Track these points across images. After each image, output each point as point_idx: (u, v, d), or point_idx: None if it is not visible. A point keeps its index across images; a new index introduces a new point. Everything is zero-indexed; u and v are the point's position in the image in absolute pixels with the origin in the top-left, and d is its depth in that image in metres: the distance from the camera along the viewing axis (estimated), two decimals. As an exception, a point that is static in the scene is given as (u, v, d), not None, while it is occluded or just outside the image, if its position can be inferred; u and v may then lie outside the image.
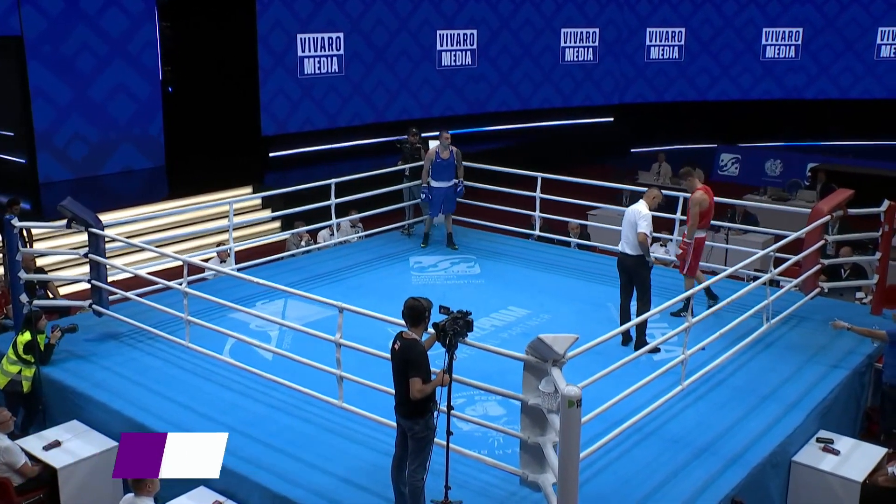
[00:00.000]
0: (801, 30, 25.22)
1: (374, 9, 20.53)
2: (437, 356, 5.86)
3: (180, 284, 8.78)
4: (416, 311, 5.74)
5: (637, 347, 8.22)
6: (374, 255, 12.00)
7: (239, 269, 11.46)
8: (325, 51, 19.96)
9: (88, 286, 9.25)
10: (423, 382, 5.62)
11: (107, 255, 9.24)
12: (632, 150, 23.90)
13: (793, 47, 25.37)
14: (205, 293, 8.81)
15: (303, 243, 12.93)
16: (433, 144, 12.24)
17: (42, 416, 8.30)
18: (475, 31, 22.42)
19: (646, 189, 9.26)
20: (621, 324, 8.53)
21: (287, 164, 19.43)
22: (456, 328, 5.70)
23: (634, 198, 10.23)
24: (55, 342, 8.50)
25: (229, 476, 6.76)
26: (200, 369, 8.39)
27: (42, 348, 8.32)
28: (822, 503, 7.03)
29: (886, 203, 9.45)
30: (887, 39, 25.24)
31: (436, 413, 5.80)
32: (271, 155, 19.45)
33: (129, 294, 9.25)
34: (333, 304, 7.04)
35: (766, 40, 25.25)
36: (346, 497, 6.32)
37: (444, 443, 5.89)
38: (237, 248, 11.35)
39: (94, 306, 9.13)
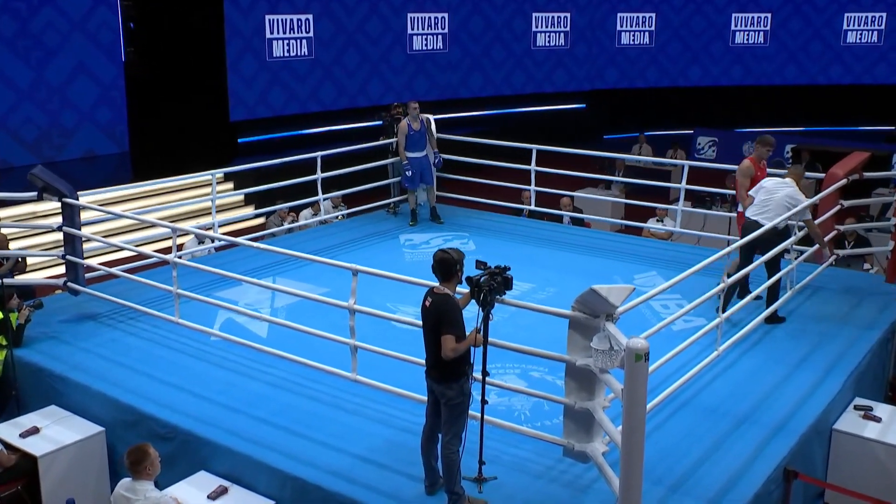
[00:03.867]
0: (769, 15, 25.14)
1: (344, -10, 19.91)
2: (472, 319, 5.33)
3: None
4: (446, 264, 5.20)
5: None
6: (362, 233, 11.41)
7: (218, 250, 10.86)
8: (294, 33, 19.27)
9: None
10: (456, 340, 5.08)
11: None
12: (605, 137, 23.59)
13: (761, 33, 25.28)
14: (189, 271, 8.19)
15: (288, 221, 12.29)
16: (402, 122, 11.67)
17: (15, 402, 7.57)
18: (446, 15, 21.90)
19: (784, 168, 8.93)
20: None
21: (256, 149, 18.67)
22: (493, 284, 5.17)
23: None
24: (24, 322, 7.79)
25: (232, 458, 6.18)
26: (189, 348, 7.75)
27: (14, 328, 7.62)
28: (865, 471, 6.64)
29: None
30: (853, 25, 25.28)
31: (471, 378, 5.27)
32: (240, 141, 18.69)
33: (112, 270, 8.55)
34: (348, 266, 6.46)
35: (736, 26, 25.12)
36: (365, 476, 5.76)
37: (478, 413, 5.38)
38: (201, 234, 10.66)
39: (69, 284, 8.41)
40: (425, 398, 5.89)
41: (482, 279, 5.17)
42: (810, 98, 24.60)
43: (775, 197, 8.13)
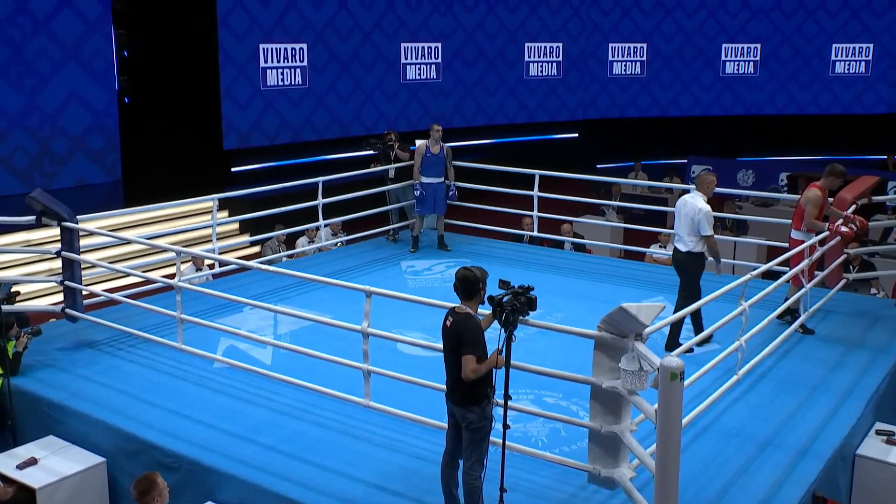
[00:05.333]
0: (758, 46, 25.33)
1: (337, 19, 19.88)
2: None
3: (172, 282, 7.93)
4: (468, 282, 5.04)
5: (669, 348, 7.58)
6: (362, 260, 11.24)
7: (214, 278, 10.67)
8: (288, 62, 19.21)
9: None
10: (477, 361, 4.91)
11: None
12: (598, 166, 23.57)
13: (751, 63, 25.45)
14: (191, 298, 8.01)
15: (281, 250, 12.11)
16: (420, 141, 11.58)
17: (10, 432, 7.32)
18: (439, 45, 21.93)
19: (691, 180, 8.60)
20: (694, 325, 7.90)
21: (250, 178, 18.49)
22: (515, 304, 5.01)
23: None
24: (23, 349, 7.57)
25: (240, 487, 5.96)
26: (192, 375, 7.54)
27: (11, 357, 7.38)
28: (890, 496, 6.48)
29: (909, 190, 9.08)
30: (841, 56, 25.50)
31: (493, 402, 5.08)
32: (233, 170, 18.54)
33: (113, 296, 8.34)
34: (362, 288, 6.29)
35: (726, 56, 25.29)
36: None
37: (499, 439, 5.19)
38: (209, 258, 10.47)
39: (67, 310, 8.19)
40: (440, 423, 5.73)
41: (505, 299, 5.01)
42: (801, 127, 24.73)
43: (681, 219, 7.92)
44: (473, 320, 5.02)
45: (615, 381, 4.84)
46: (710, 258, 8.00)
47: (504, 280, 5.10)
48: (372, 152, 12.21)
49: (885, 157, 21.13)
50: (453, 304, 5.25)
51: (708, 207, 7.83)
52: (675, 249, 8.10)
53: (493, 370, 5.04)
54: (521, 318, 5.07)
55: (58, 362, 7.81)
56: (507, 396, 5.11)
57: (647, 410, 4.58)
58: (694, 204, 7.84)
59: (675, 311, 7.56)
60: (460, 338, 4.95)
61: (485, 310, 5.25)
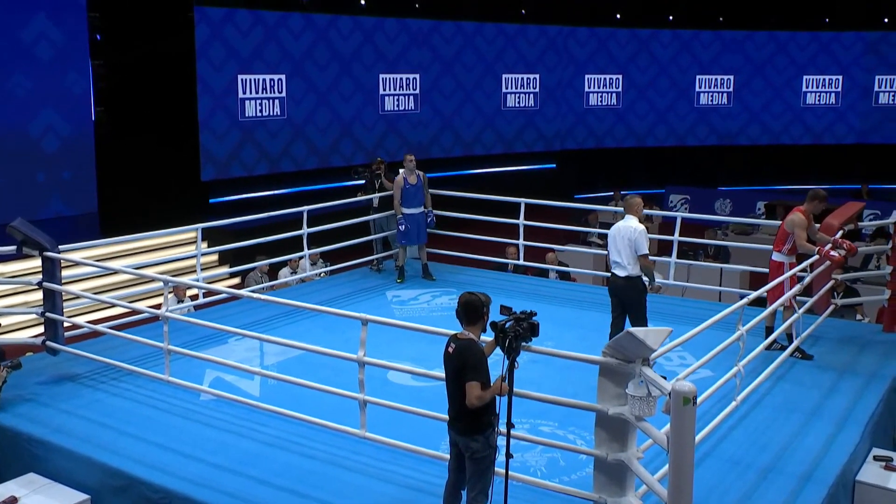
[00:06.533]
0: (731, 77, 25.67)
1: (316, 51, 19.87)
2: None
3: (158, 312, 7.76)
4: (472, 307, 4.95)
5: None
6: (347, 290, 11.11)
7: (197, 309, 10.48)
8: (266, 93, 19.14)
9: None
10: (481, 388, 4.81)
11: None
12: (576, 196, 23.65)
13: (725, 94, 25.77)
14: (173, 330, 7.82)
15: (261, 281, 11.95)
16: (400, 171, 11.52)
17: (-13, 470, 7.08)
18: (417, 76, 21.98)
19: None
20: None
21: (228, 209, 18.32)
22: (518, 330, 4.92)
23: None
24: (1, 384, 7.34)
25: (233, 522, 5.77)
26: (177, 408, 7.35)
27: (-9, 391, 7.17)
28: (891, 524, 6.42)
29: (896, 214, 9.14)
30: (812, 87, 25.90)
31: (496, 430, 4.97)
32: (211, 201, 18.35)
33: (97, 327, 8.13)
34: (357, 316, 6.16)
35: (700, 87, 25.59)
36: (379, 538, 5.41)
37: (502, 469, 5.07)
38: (191, 289, 10.30)
39: (48, 343, 7.97)
40: (443, 454, 5.60)
41: (507, 325, 4.92)
42: (776, 157, 25.05)
43: (619, 244, 7.86)
44: (477, 346, 4.92)
45: (622, 407, 4.75)
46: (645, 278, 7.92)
47: (506, 306, 5.02)
48: (360, 181, 12.14)
49: (860, 185, 21.41)
50: (454, 331, 5.16)
51: (643, 227, 7.85)
52: (615, 276, 7.99)
53: (497, 397, 4.93)
54: (523, 344, 4.99)
55: (39, 396, 7.58)
56: (509, 425, 5.00)
57: (658, 436, 4.50)
58: (628, 226, 7.85)
59: None
60: (464, 364, 4.85)
61: (486, 337, 5.16)
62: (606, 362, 4.84)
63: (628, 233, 7.80)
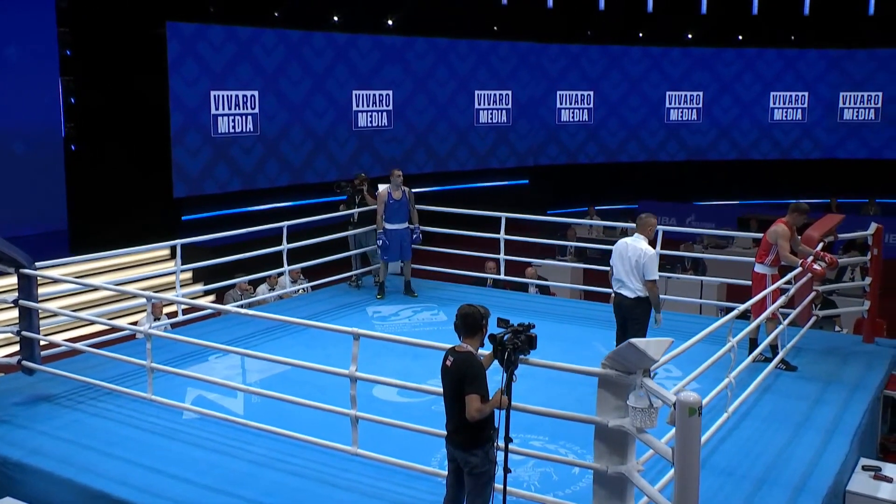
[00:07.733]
0: (700, 94, 25.95)
1: (289, 67, 19.78)
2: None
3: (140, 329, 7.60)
4: (471, 319, 4.91)
5: None
6: (326, 306, 10.99)
7: (174, 327, 10.31)
8: (239, 109, 18.99)
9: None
10: (481, 401, 4.74)
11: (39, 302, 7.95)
12: (549, 212, 23.71)
13: (694, 110, 26.04)
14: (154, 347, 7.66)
15: (246, 296, 11.79)
16: (383, 186, 11.46)
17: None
18: (391, 92, 21.95)
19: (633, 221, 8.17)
20: None
21: (201, 226, 18.09)
22: (516, 343, 4.87)
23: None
24: (-23, 405, 7.16)
25: (222, 544, 5.63)
26: (160, 427, 7.18)
27: (-35, 412, 6.97)
28: (883, 534, 6.44)
29: (874, 226, 9.22)
30: (779, 104, 26.26)
31: (495, 444, 4.91)
32: (184, 218, 18.13)
33: (76, 346, 7.94)
34: (349, 331, 6.08)
35: (670, 104, 25.83)
36: (374, 557, 5.30)
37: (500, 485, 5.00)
38: (168, 307, 10.12)
39: (23, 362, 7.77)
40: (430, 468, 5.51)
41: (505, 337, 4.87)
42: (746, 172, 25.33)
43: (625, 263, 7.67)
44: (476, 359, 4.87)
45: (622, 419, 4.70)
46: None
47: (503, 318, 4.97)
48: (342, 196, 12.06)
49: (828, 200, 21.68)
50: (444, 345, 5.10)
51: (653, 251, 7.65)
52: (621, 296, 7.75)
53: (496, 411, 4.87)
54: (521, 356, 4.94)
55: (15, 418, 7.37)
56: (507, 439, 4.93)
57: (661, 448, 4.45)
58: (637, 247, 7.64)
59: None
60: (463, 376, 4.79)
61: (484, 350, 5.10)
62: (606, 374, 4.80)
63: (637, 255, 7.57)
